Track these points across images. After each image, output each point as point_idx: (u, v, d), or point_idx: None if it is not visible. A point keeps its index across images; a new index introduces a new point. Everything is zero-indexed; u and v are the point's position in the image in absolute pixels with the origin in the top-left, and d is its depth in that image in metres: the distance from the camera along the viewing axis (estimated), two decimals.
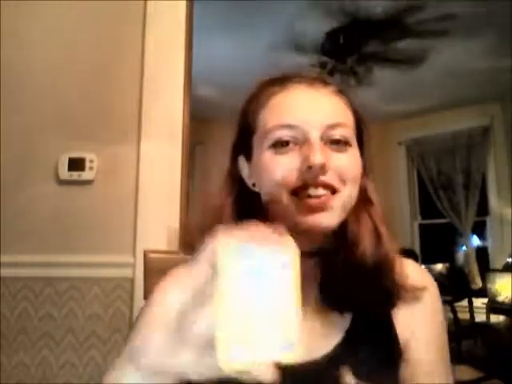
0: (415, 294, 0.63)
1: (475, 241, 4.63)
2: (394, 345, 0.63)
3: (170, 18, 1.44)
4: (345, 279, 0.60)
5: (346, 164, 0.57)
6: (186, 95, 1.42)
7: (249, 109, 0.63)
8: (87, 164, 1.35)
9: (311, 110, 0.58)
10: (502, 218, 4.37)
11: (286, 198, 0.56)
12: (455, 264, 4.51)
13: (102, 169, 1.37)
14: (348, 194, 0.58)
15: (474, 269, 4.44)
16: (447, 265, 4.09)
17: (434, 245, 4.80)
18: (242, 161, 0.65)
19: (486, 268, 4.24)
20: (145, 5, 1.43)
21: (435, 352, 0.65)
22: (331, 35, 3.24)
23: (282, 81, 0.62)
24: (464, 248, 4.59)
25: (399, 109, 4.66)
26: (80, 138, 1.39)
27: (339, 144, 0.58)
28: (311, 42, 3.30)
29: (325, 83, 0.62)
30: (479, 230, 4.62)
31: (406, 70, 3.69)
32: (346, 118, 0.60)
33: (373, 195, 0.65)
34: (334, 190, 0.56)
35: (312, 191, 0.55)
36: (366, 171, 0.63)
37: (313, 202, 0.55)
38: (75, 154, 1.36)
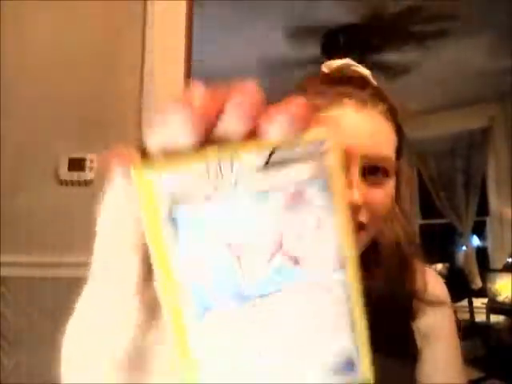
0: (433, 306, 0.64)
1: (475, 241, 4.63)
2: (411, 350, 0.64)
3: (170, 18, 1.44)
4: (365, 286, 0.62)
5: (380, 201, 0.57)
6: None
7: None
8: (87, 164, 1.35)
9: (355, 140, 0.56)
10: (502, 218, 4.37)
11: None
12: (455, 264, 4.51)
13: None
14: (374, 229, 0.59)
15: (474, 269, 4.44)
16: (447, 265, 4.10)
17: (434, 245, 4.80)
18: None
19: (486, 268, 4.24)
20: (145, 5, 1.43)
21: (450, 360, 0.66)
22: (331, 35, 3.24)
23: (330, 88, 0.59)
24: (464, 248, 4.59)
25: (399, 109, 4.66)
26: (80, 138, 1.39)
27: (377, 175, 0.57)
28: (311, 42, 3.30)
29: (377, 101, 0.59)
30: (479, 230, 4.62)
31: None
32: (390, 146, 0.59)
33: (398, 210, 0.66)
34: (362, 226, 0.57)
35: None
36: (397, 193, 0.64)
37: None
38: (75, 154, 1.36)
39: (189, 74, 1.47)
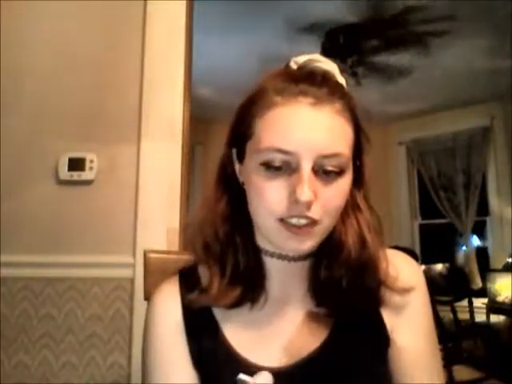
0: (402, 293, 0.65)
1: (475, 241, 4.63)
2: (381, 336, 0.65)
3: (170, 18, 1.44)
4: (330, 280, 0.65)
5: (332, 198, 0.59)
6: (186, 95, 1.42)
7: (248, 111, 0.62)
8: (87, 164, 1.35)
9: (309, 137, 0.57)
10: (502, 217, 4.37)
11: (272, 224, 0.60)
12: (455, 264, 4.51)
13: (102, 169, 1.36)
14: (327, 224, 0.61)
15: (474, 269, 4.43)
16: (447, 265, 4.09)
17: (434, 245, 4.80)
18: (234, 155, 0.67)
19: (486, 268, 4.24)
20: (145, 5, 1.43)
21: (422, 341, 0.67)
22: (331, 35, 3.24)
23: (288, 86, 0.59)
24: (464, 248, 4.59)
25: (399, 109, 4.66)
26: (80, 138, 1.39)
27: (330, 174, 0.58)
28: (311, 42, 3.30)
29: (333, 99, 0.59)
30: (479, 229, 4.62)
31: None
32: (345, 142, 0.60)
33: (362, 203, 0.68)
34: (315, 221, 0.59)
35: (295, 221, 0.58)
36: (360, 183, 0.67)
37: (296, 232, 0.59)
38: (75, 154, 1.36)
39: (189, 74, 1.47)
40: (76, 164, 1.35)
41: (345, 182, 0.60)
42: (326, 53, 3.34)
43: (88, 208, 1.36)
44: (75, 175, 1.35)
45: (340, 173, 0.59)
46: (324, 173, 0.58)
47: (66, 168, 1.35)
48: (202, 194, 0.71)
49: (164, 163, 1.37)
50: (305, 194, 0.55)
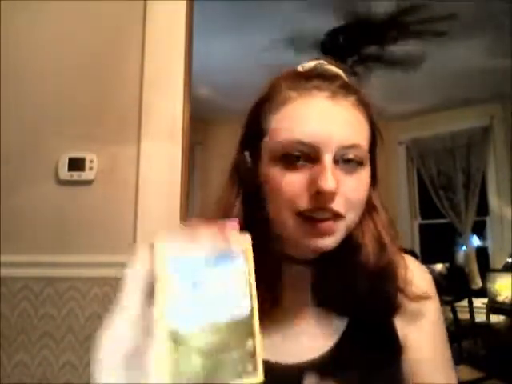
0: (418, 300, 0.64)
1: (475, 241, 4.63)
2: (393, 345, 0.63)
3: (170, 18, 1.44)
4: (345, 283, 0.61)
5: (354, 189, 0.57)
6: (186, 95, 1.42)
7: (261, 109, 0.61)
8: (87, 164, 1.35)
9: (328, 128, 0.56)
10: (502, 217, 4.37)
11: (291, 219, 0.57)
12: (455, 264, 4.51)
13: (101, 169, 1.37)
14: (351, 219, 0.58)
15: (474, 269, 4.44)
16: (447, 265, 4.10)
17: (434, 245, 4.80)
18: (247, 157, 0.64)
19: (486, 268, 4.25)
20: (145, 5, 1.43)
21: (437, 351, 0.66)
22: (331, 35, 3.24)
23: (301, 83, 0.59)
24: (464, 248, 4.59)
25: (399, 109, 4.66)
26: (80, 138, 1.39)
27: (350, 164, 0.57)
28: (311, 42, 3.30)
29: (347, 93, 0.59)
30: (479, 229, 4.62)
31: (404, 71, 3.69)
32: (362, 135, 0.59)
33: (377, 203, 0.66)
34: (338, 215, 0.56)
35: (318, 214, 0.55)
36: (374, 181, 0.64)
37: (318, 227, 0.55)
38: (75, 154, 1.36)
39: (189, 74, 1.47)
40: (76, 164, 1.36)
41: (365, 173, 0.59)
42: (326, 53, 3.34)
43: (88, 208, 1.36)
44: (75, 175, 1.35)
45: (360, 163, 0.57)
46: (344, 162, 0.56)
47: (66, 168, 1.35)
48: (216, 198, 0.68)
49: (164, 163, 1.37)
50: (328, 182, 0.53)
